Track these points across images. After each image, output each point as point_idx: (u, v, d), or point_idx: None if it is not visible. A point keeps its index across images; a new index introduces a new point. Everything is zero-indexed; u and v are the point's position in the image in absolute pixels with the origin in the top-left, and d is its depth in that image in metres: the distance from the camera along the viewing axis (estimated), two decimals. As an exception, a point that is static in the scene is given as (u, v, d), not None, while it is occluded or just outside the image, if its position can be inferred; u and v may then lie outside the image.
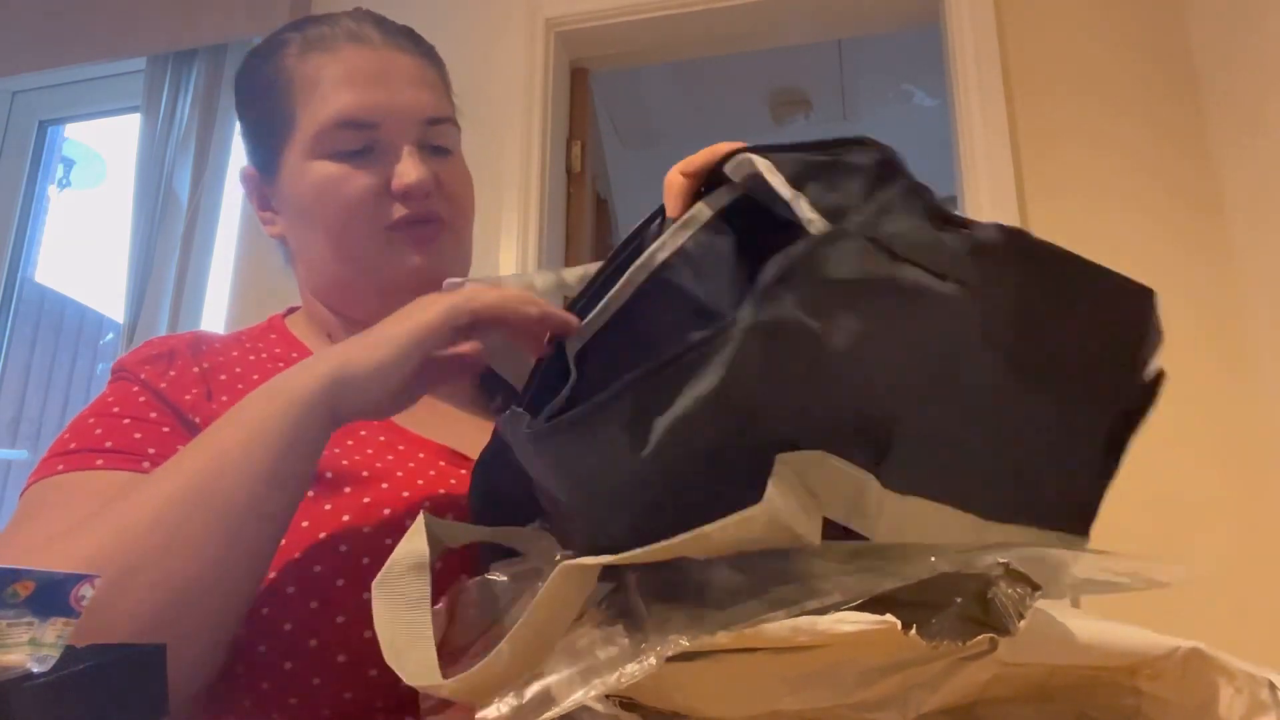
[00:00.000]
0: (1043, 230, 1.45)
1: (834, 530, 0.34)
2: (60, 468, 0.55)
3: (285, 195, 0.68)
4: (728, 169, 0.46)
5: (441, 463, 0.63)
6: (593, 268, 0.55)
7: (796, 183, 0.39)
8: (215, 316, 2.04)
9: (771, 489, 0.30)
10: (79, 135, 2.76)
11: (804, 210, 0.37)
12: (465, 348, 0.55)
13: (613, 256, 0.53)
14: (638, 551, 0.31)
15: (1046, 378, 0.35)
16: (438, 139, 0.68)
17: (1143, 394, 0.37)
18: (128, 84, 2.27)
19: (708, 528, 0.30)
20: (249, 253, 2.04)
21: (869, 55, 2.83)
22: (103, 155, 2.89)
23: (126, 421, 0.58)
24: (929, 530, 0.34)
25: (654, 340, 0.48)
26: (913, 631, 0.27)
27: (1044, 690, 0.30)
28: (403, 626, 0.38)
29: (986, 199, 1.66)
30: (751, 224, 0.47)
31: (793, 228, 0.37)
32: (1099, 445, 0.37)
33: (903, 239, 0.34)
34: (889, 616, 0.27)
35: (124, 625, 0.43)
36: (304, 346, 0.70)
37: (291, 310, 0.77)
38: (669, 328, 0.48)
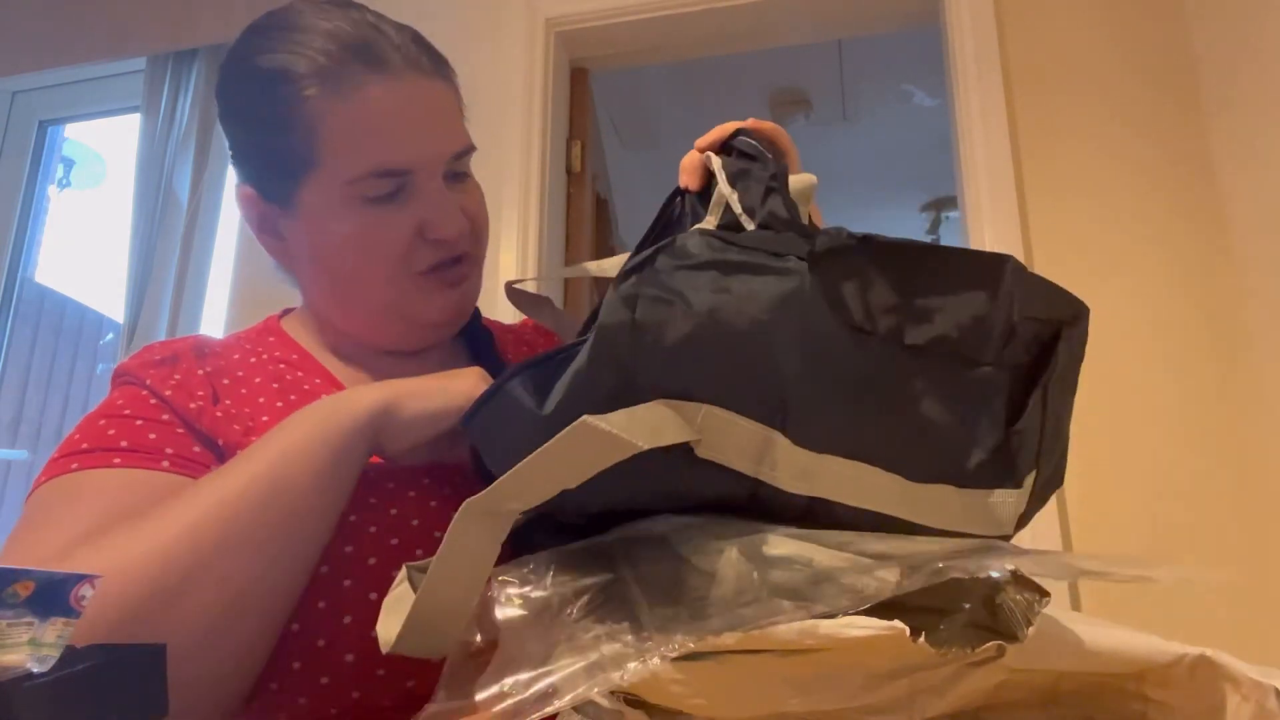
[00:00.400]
0: (1043, 230, 1.44)
1: (832, 526, 0.35)
2: (75, 466, 0.54)
3: (303, 234, 0.65)
4: (713, 168, 0.52)
5: (425, 481, 0.62)
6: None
7: (732, 182, 0.49)
8: (215, 317, 2.05)
9: (620, 413, 0.35)
10: (79, 135, 2.76)
11: (735, 206, 0.47)
12: None
13: (647, 236, 0.57)
14: (517, 469, 0.36)
15: (918, 348, 0.39)
16: (459, 169, 0.68)
17: (1039, 351, 0.40)
18: (128, 84, 2.28)
19: (541, 448, 0.35)
20: (249, 253, 2.04)
21: (869, 55, 2.83)
22: (103, 155, 2.88)
23: (139, 423, 0.57)
24: (859, 490, 0.37)
25: None
26: (921, 639, 0.27)
27: (1051, 695, 0.29)
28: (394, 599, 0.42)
29: (986, 199, 1.66)
30: None
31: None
32: (1000, 404, 0.39)
33: (747, 236, 0.42)
34: (897, 623, 0.27)
35: (184, 629, 0.45)
36: (303, 349, 0.70)
37: (287, 311, 0.76)
38: None
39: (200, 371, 0.63)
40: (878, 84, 3.01)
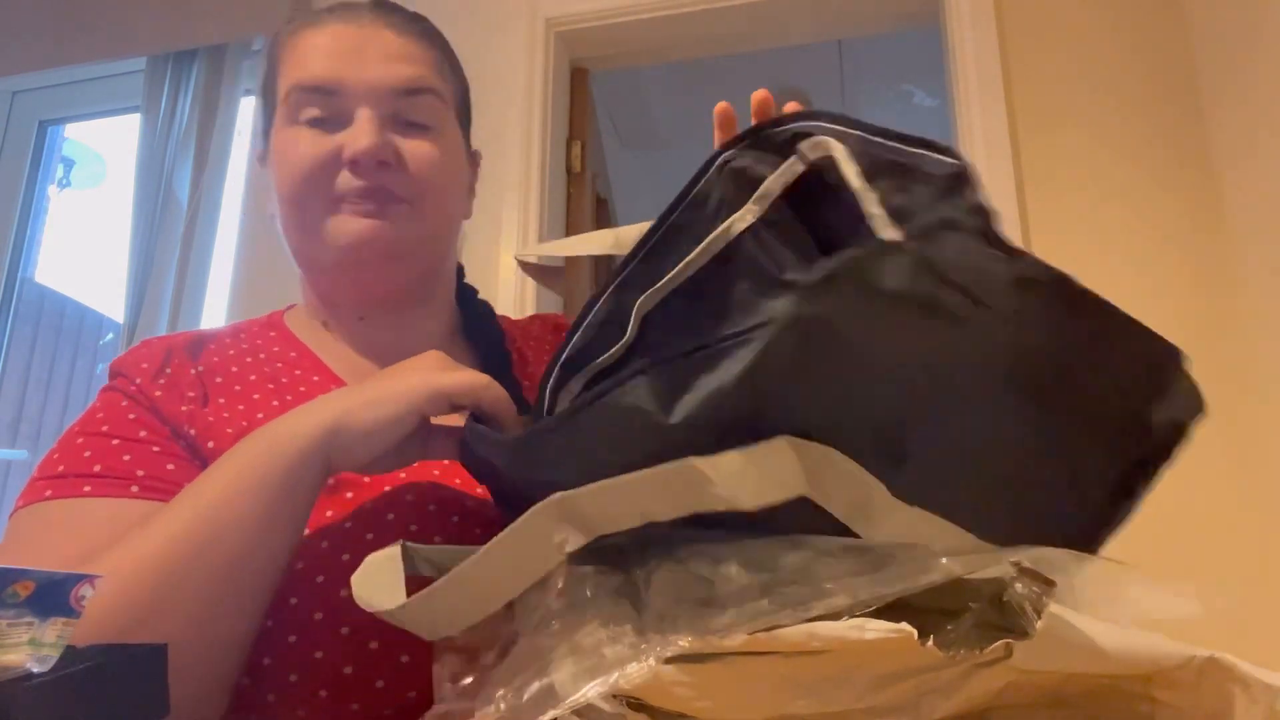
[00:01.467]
0: (1043, 230, 1.44)
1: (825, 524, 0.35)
2: (48, 494, 0.54)
3: (269, 169, 0.68)
4: (804, 147, 0.45)
5: (435, 472, 0.62)
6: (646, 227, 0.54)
7: (869, 176, 0.39)
8: (215, 317, 2.05)
9: (736, 458, 0.32)
10: (79, 135, 2.76)
11: (870, 205, 0.38)
12: (455, 418, 0.52)
13: (668, 212, 0.52)
14: (599, 485, 0.33)
15: (1063, 416, 0.35)
16: (413, 113, 0.65)
17: (1159, 447, 0.37)
18: (128, 84, 2.27)
19: (638, 474, 0.32)
20: (249, 253, 2.04)
21: (869, 55, 2.83)
22: (103, 155, 2.89)
23: (115, 442, 0.57)
24: (927, 541, 0.34)
25: (723, 308, 0.49)
26: (930, 643, 0.26)
27: (1057, 698, 0.29)
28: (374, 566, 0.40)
29: (986, 199, 1.65)
30: (814, 198, 0.47)
31: (852, 212, 0.39)
32: (1106, 490, 0.37)
33: (952, 263, 0.34)
34: (905, 625, 0.27)
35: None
36: (302, 344, 0.70)
37: (293, 307, 0.76)
38: (739, 295, 0.49)
39: (193, 370, 0.63)
40: (878, 84, 3.01)
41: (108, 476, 0.55)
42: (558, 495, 0.34)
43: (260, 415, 0.61)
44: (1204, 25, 1.64)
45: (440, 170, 0.66)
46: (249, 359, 0.66)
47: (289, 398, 0.63)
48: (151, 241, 2.04)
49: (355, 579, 0.39)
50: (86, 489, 0.54)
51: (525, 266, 0.71)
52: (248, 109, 2.17)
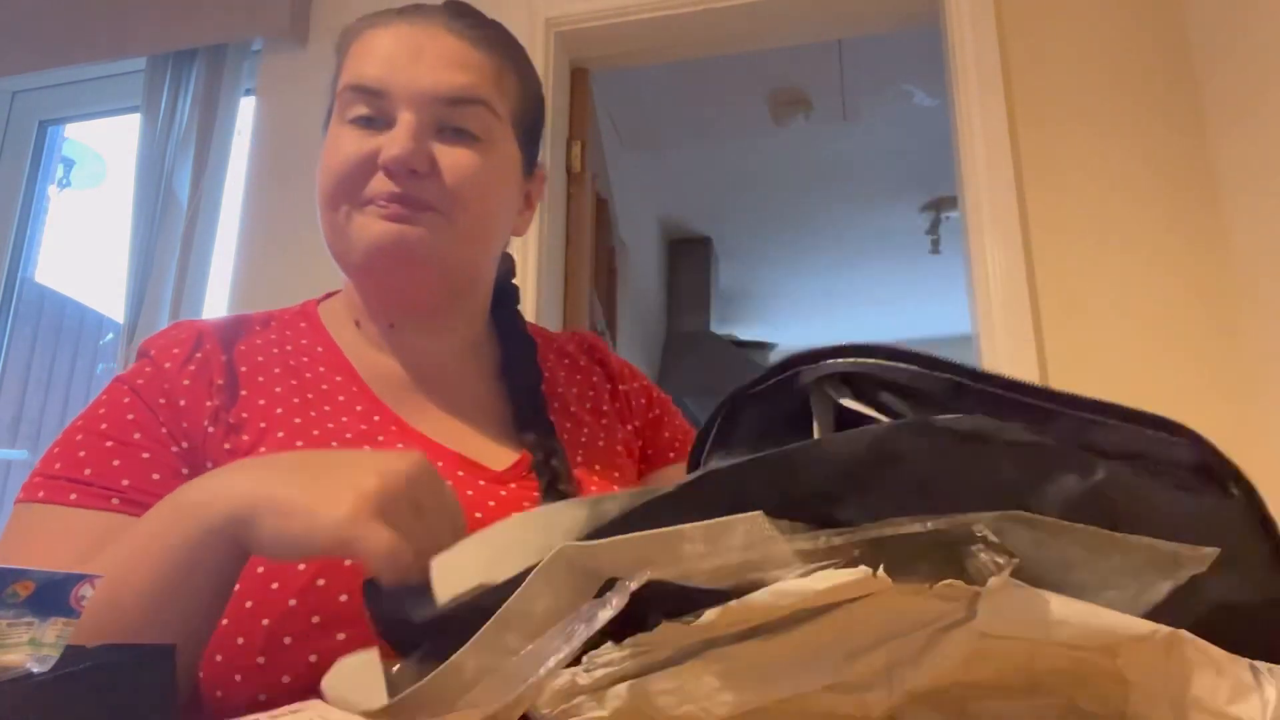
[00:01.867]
0: (1042, 229, 1.44)
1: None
2: (40, 495, 0.57)
3: None
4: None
5: (460, 473, 0.62)
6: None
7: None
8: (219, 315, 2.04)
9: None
10: (79, 135, 2.76)
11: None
12: (384, 546, 0.42)
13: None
14: (630, 537, 0.32)
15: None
16: (461, 121, 0.64)
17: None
18: (128, 84, 2.27)
19: (687, 525, 0.31)
20: (249, 253, 2.04)
21: (869, 55, 2.83)
22: (103, 155, 2.88)
23: (109, 444, 0.58)
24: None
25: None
26: (880, 571, 0.27)
27: (1031, 679, 0.30)
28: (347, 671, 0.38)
29: (986, 199, 1.66)
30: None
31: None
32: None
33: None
34: (863, 567, 0.28)
35: None
36: (330, 340, 0.69)
37: (332, 294, 0.75)
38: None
39: (223, 357, 0.63)
40: (878, 84, 3.01)
41: (94, 485, 0.57)
42: (575, 545, 0.33)
43: (279, 410, 0.61)
44: (1204, 24, 1.64)
45: (478, 181, 0.64)
46: (275, 350, 0.66)
47: (310, 395, 0.64)
48: (151, 241, 2.04)
49: (328, 681, 0.37)
50: (72, 496, 0.56)
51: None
52: (248, 109, 2.17)
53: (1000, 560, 0.28)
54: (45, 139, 2.39)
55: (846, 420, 0.39)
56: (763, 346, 4.94)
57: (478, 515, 0.59)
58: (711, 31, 2.01)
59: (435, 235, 0.63)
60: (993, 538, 0.29)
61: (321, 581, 0.54)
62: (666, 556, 0.32)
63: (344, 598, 0.54)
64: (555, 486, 0.64)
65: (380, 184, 0.62)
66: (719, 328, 4.51)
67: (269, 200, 2.05)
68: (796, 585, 0.29)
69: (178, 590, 0.46)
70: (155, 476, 0.58)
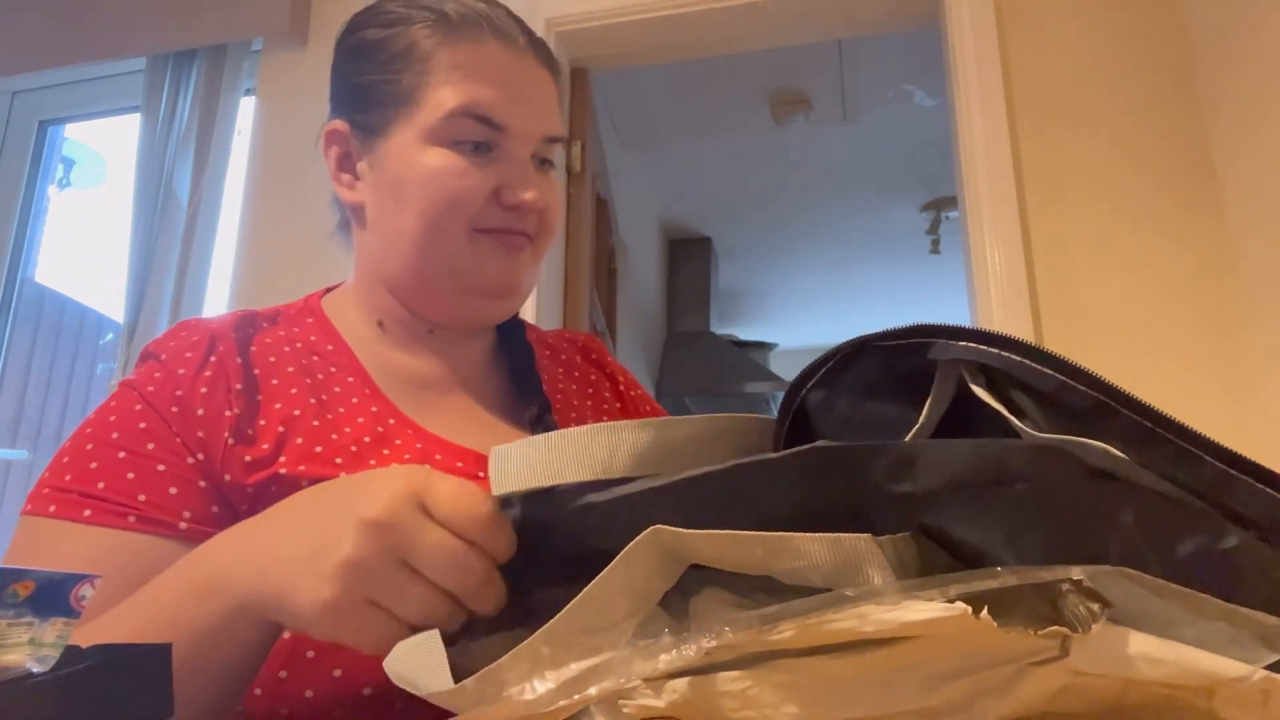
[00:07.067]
0: (1042, 230, 1.44)
1: None
2: (52, 509, 0.54)
3: (385, 167, 0.66)
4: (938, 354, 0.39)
5: (480, 474, 0.62)
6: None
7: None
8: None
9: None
10: (79, 135, 2.76)
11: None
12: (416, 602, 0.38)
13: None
14: (734, 536, 0.31)
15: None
16: (548, 154, 0.69)
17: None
18: (128, 84, 2.28)
19: (797, 536, 0.30)
20: (249, 253, 2.04)
21: (869, 55, 2.83)
22: (103, 155, 2.88)
23: (122, 455, 0.56)
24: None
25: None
26: (985, 615, 0.25)
27: (1116, 709, 0.29)
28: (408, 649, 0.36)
29: (986, 199, 1.66)
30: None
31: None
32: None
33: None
34: (958, 602, 0.26)
35: None
36: (339, 337, 0.68)
37: (332, 289, 0.75)
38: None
39: (239, 359, 0.61)
40: (878, 84, 3.01)
41: (109, 500, 0.54)
42: (668, 529, 0.32)
43: (297, 412, 0.60)
44: (1204, 25, 1.64)
45: (560, 213, 0.72)
46: (286, 347, 0.65)
47: (324, 397, 0.62)
48: (151, 241, 2.04)
49: (389, 663, 0.35)
50: (86, 513, 0.54)
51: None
52: (248, 109, 2.16)
53: (1094, 607, 0.27)
54: (45, 139, 2.39)
55: (960, 401, 0.37)
56: (763, 346, 4.94)
57: None
58: (711, 31, 2.01)
59: (529, 266, 0.69)
60: (1087, 582, 0.27)
61: None
62: (769, 560, 0.31)
63: None
64: None
65: (499, 216, 0.65)
66: (719, 328, 4.50)
67: (269, 200, 2.05)
68: (884, 613, 0.27)
69: (206, 663, 0.43)
70: (172, 491, 0.55)
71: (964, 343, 0.36)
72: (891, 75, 2.96)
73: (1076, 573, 0.28)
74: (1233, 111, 1.55)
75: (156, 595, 0.45)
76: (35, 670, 0.28)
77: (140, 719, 0.31)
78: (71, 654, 0.29)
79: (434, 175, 0.63)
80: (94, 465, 0.56)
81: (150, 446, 0.56)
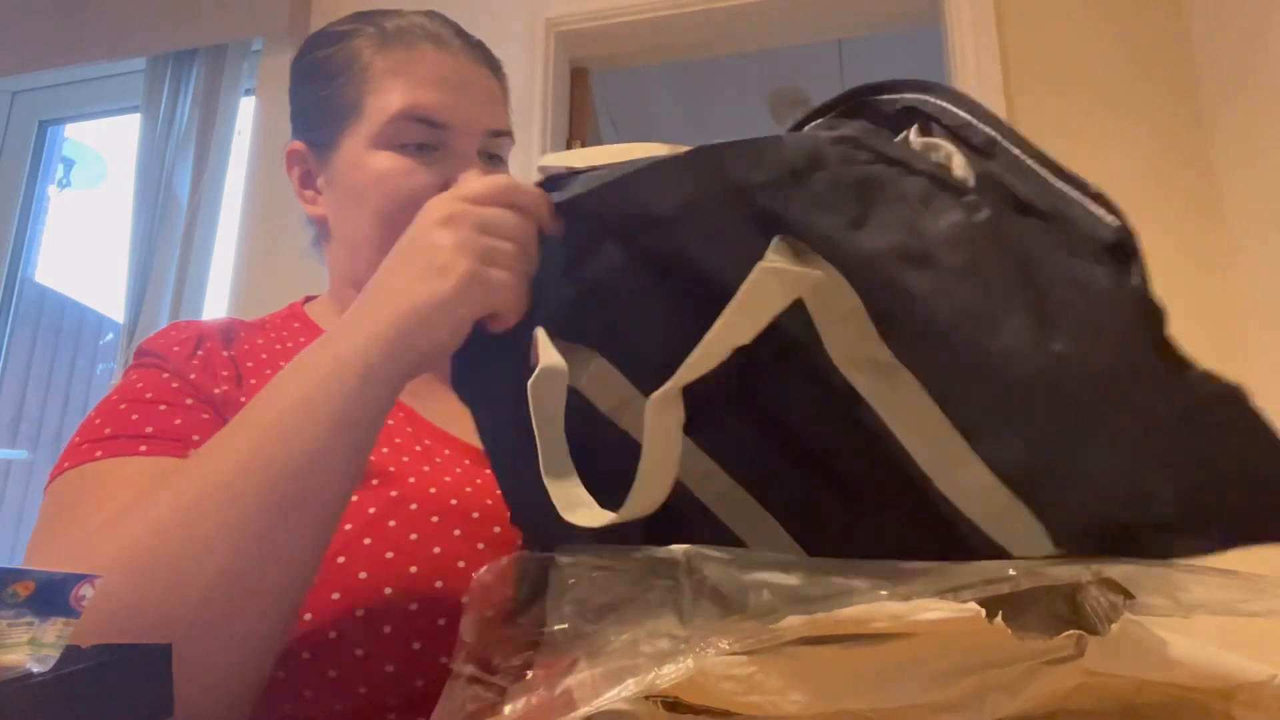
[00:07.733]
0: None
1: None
2: (99, 454, 0.51)
3: (338, 178, 0.68)
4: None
5: (466, 461, 0.63)
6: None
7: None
8: (215, 317, 2.04)
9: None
10: (79, 135, 2.76)
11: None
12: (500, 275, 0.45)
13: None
14: (693, 357, 0.33)
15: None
16: (495, 149, 0.70)
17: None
18: (128, 84, 2.28)
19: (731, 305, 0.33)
20: (249, 253, 2.04)
21: (869, 55, 2.83)
22: (103, 155, 2.89)
23: (163, 408, 0.55)
24: (997, 522, 0.33)
25: None
26: (998, 619, 0.25)
27: (1129, 707, 0.28)
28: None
29: (987, 199, 1.66)
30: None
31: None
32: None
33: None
34: (973, 604, 0.25)
35: (182, 615, 0.40)
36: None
37: (310, 298, 0.76)
38: None
39: (225, 353, 0.63)
40: (878, 84, 3.01)
41: (162, 438, 0.52)
42: (659, 392, 0.34)
43: None
44: (1204, 26, 1.64)
45: None
46: (277, 346, 0.67)
47: None
48: (151, 241, 2.04)
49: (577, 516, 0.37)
50: (142, 448, 0.52)
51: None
52: (248, 109, 2.17)
53: (1117, 600, 0.26)
54: (45, 139, 2.39)
55: None
56: (763, 346, 4.93)
57: (488, 502, 0.59)
58: (711, 31, 2.02)
59: None
60: (1108, 575, 0.27)
61: (414, 569, 0.54)
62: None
63: (439, 584, 0.54)
64: None
65: None
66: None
67: (269, 200, 2.05)
68: (894, 610, 0.26)
69: (338, 450, 0.43)
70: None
71: (909, 94, 0.43)
72: (891, 75, 2.95)
73: (1099, 571, 0.27)
74: (1233, 110, 1.55)
75: (265, 408, 0.44)
76: (35, 670, 0.28)
77: (140, 719, 0.31)
78: (71, 654, 0.29)
79: (383, 177, 0.65)
80: (135, 417, 0.54)
81: (188, 401, 0.57)
